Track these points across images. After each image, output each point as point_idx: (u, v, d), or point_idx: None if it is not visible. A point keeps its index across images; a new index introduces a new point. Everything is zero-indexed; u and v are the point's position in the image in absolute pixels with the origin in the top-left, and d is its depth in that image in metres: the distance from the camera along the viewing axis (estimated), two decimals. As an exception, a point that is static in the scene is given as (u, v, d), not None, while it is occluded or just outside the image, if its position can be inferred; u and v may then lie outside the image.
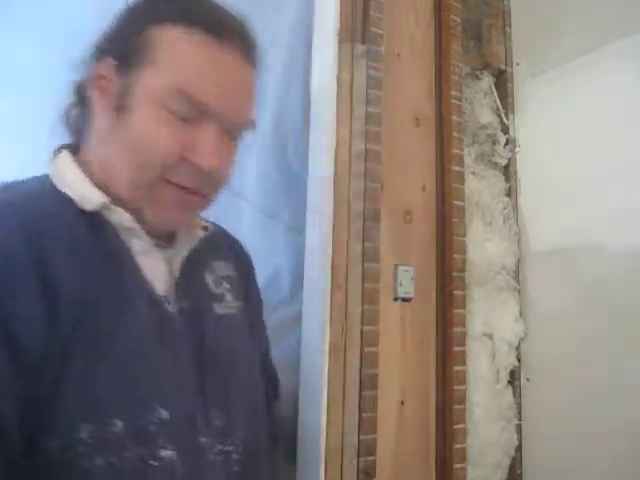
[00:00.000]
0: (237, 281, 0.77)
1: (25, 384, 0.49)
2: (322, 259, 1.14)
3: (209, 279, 0.72)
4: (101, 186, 0.62)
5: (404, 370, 1.23)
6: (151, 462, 0.54)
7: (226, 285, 0.74)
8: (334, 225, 1.15)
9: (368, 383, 1.13)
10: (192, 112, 0.60)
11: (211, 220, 0.78)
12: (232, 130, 0.65)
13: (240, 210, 1.34)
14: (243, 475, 0.65)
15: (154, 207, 0.62)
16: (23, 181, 0.62)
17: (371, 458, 1.12)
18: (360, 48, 1.25)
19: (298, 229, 1.26)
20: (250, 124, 0.67)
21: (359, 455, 1.10)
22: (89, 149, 0.65)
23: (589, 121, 1.33)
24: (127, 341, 0.56)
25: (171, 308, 0.64)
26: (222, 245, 0.80)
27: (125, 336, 0.56)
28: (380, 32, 1.28)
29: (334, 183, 1.17)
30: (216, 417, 0.64)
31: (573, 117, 1.37)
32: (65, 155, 0.65)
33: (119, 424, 0.53)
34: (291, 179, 1.31)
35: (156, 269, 0.64)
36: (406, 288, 1.25)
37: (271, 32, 1.34)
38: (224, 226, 0.88)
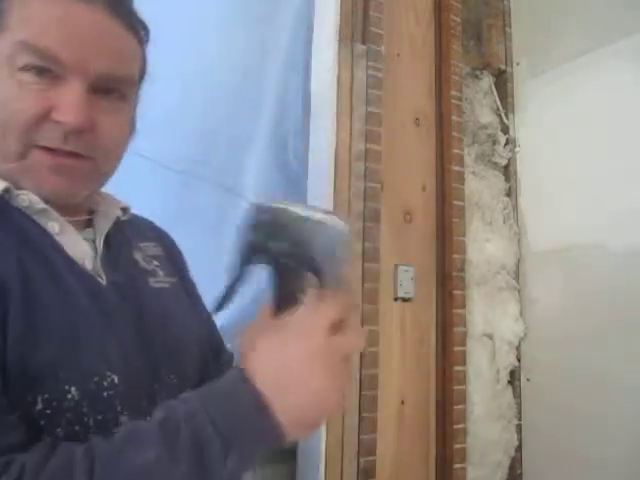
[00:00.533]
0: (166, 261, 0.76)
1: None
2: (322, 259, 1.14)
3: (138, 256, 0.71)
4: None
5: (404, 370, 1.23)
6: (114, 429, 0.53)
7: (156, 263, 0.73)
8: (334, 225, 1.15)
9: (368, 383, 1.13)
10: (44, 65, 0.57)
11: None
12: (107, 86, 0.61)
13: (240, 210, 1.34)
14: None
15: (29, 176, 0.59)
16: None
17: (371, 458, 1.12)
18: (360, 48, 1.25)
19: (298, 229, 1.26)
20: (125, 79, 0.63)
21: (359, 455, 1.10)
22: None
23: (589, 121, 1.33)
24: (64, 313, 0.56)
25: (103, 281, 0.63)
26: (146, 228, 0.79)
27: (62, 308, 0.56)
28: (380, 32, 1.28)
29: (334, 183, 1.17)
30: (173, 380, 0.64)
31: (573, 117, 1.37)
32: None
33: (73, 391, 0.53)
34: (291, 179, 1.31)
35: (79, 248, 0.62)
36: (406, 288, 1.25)
37: (271, 32, 1.34)
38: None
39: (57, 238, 0.60)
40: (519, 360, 1.43)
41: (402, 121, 1.33)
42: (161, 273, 0.73)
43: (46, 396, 0.51)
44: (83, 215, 0.66)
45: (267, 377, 0.50)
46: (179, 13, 1.34)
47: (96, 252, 0.64)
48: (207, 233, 1.33)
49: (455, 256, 1.32)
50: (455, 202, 1.35)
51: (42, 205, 0.59)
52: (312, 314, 0.54)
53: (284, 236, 0.58)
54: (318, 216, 0.58)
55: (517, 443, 1.40)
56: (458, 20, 1.44)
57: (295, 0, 1.35)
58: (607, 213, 1.25)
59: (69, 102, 0.57)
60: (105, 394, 0.55)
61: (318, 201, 1.19)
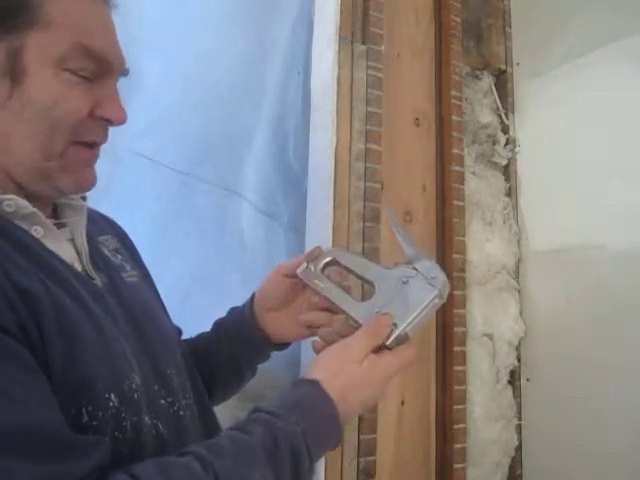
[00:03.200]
0: (125, 252, 0.76)
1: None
2: (322, 259, 1.14)
3: (105, 252, 0.70)
4: None
5: (404, 370, 1.23)
6: (144, 429, 0.56)
7: (120, 256, 0.73)
8: (334, 225, 1.15)
9: (368, 383, 1.13)
10: (94, 67, 0.58)
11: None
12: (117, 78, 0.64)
13: (240, 210, 1.34)
14: (204, 423, 0.69)
15: (67, 172, 0.59)
16: None
17: (371, 458, 1.12)
18: (360, 48, 1.25)
19: (298, 229, 1.26)
20: (126, 70, 0.65)
21: (359, 455, 1.10)
22: None
23: (589, 121, 1.33)
24: (86, 320, 0.55)
25: (98, 283, 0.63)
26: (97, 219, 0.76)
27: (82, 316, 0.55)
28: (380, 32, 1.28)
29: (334, 183, 1.17)
30: (170, 375, 0.65)
31: (573, 117, 1.37)
32: None
33: (113, 398, 0.53)
34: (291, 179, 1.31)
35: (65, 250, 0.61)
36: (406, 288, 1.25)
37: (271, 32, 1.34)
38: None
39: (43, 242, 0.58)
40: (519, 360, 1.43)
41: (402, 121, 1.33)
42: (127, 267, 0.72)
43: (90, 408, 0.51)
44: (49, 211, 0.64)
45: (334, 389, 0.59)
46: (179, 13, 1.34)
47: (80, 253, 0.63)
48: (206, 233, 1.33)
49: (455, 256, 1.32)
50: (455, 202, 1.35)
51: (30, 209, 0.57)
52: (362, 338, 0.63)
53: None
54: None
55: (517, 443, 1.40)
56: (458, 20, 1.44)
57: (295, 0, 1.35)
58: (607, 213, 1.25)
59: (114, 100, 0.60)
60: (135, 396, 0.56)
61: (318, 201, 1.19)
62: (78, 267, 0.61)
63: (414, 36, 1.39)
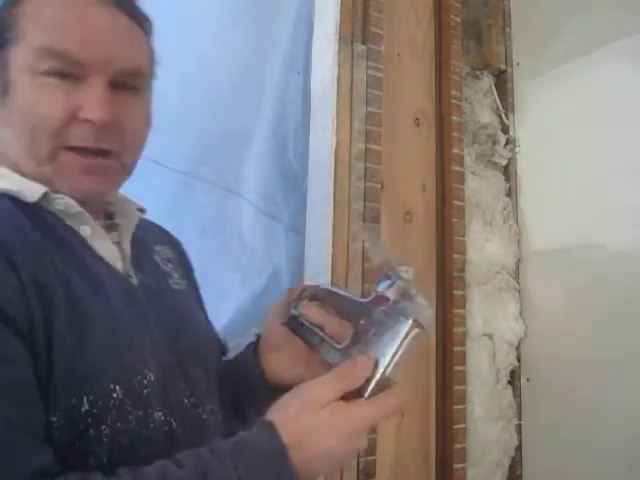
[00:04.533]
0: (177, 263, 0.79)
1: (27, 354, 0.51)
2: (322, 259, 1.14)
3: (157, 259, 0.74)
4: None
5: (404, 370, 1.23)
6: (151, 425, 0.57)
7: (171, 265, 0.76)
8: (334, 225, 1.15)
9: (368, 383, 1.13)
10: (66, 67, 0.59)
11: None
12: (125, 82, 0.63)
13: (240, 210, 1.34)
14: (230, 433, 0.67)
15: (61, 178, 0.61)
16: None
17: (371, 458, 1.12)
18: (360, 48, 1.25)
19: (298, 229, 1.26)
20: (140, 72, 0.65)
21: (359, 455, 1.10)
22: (2, 154, 0.64)
23: (589, 121, 1.33)
24: (104, 314, 0.57)
25: (134, 282, 0.65)
26: (158, 231, 0.82)
27: (101, 310, 0.57)
28: (380, 32, 1.28)
29: (334, 183, 1.17)
30: (198, 379, 0.66)
31: (573, 117, 1.37)
32: None
33: (117, 390, 0.54)
34: (291, 179, 1.31)
35: (109, 250, 0.64)
36: (406, 288, 1.25)
37: (271, 32, 1.34)
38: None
39: (89, 241, 0.62)
40: (519, 360, 1.43)
41: (402, 121, 1.33)
42: (176, 275, 0.75)
43: (91, 397, 0.53)
44: (102, 216, 0.68)
45: (289, 433, 0.52)
46: (179, 13, 1.34)
47: (124, 254, 0.66)
48: (206, 233, 1.33)
49: (455, 256, 1.32)
50: (455, 202, 1.35)
51: (77, 208, 0.61)
52: (329, 381, 0.55)
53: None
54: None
55: (517, 443, 1.40)
56: (458, 20, 1.44)
57: (295, 0, 1.35)
58: (607, 213, 1.25)
59: (94, 100, 0.59)
60: (145, 391, 0.57)
61: (318, 201, 1.19)
62: (119, 266, 0.64)
63: (414, 36, 1.39)
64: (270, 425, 0.53)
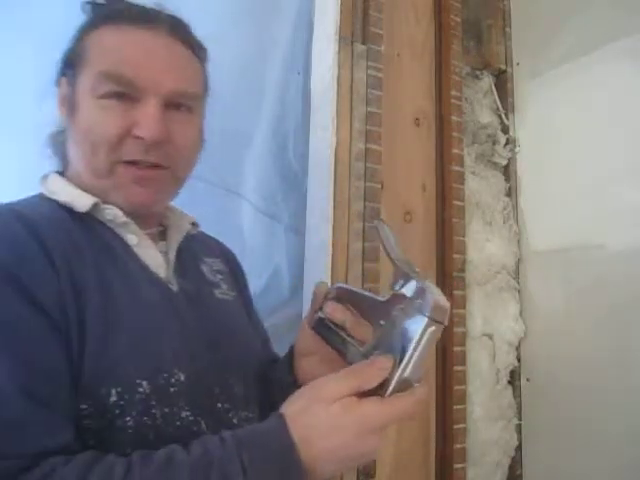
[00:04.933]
0: (228, 276, 0.83)
1: (60, 340, 0.55)
2: (322, 259, 1.14)
3: (204, 269, 0.79)
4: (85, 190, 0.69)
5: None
6: (177, 423, 0.60)
7: (220, 276, 0.81)
8: (334, 225, 1.15)
9: (368, 383, 1.13)
10: (122, 89, 0.65)
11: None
12: (177, 102, 0.69)
13: (240, 210, 1.34)
14: None
15: (117, 190, 0.67)
16: (17, 200, 0.69)
17: (371, 458, 1.12)
18: (360, 48, 1.25)
19: (298, 229, 1.26)
20: (192, 95, 0.71)
21: (359, 455, 1.10)
22: (70, 165, 0.72)
23: (589, 121, 1.33)
24: (138, 314, 0.62)
25: (174, 288, 0.69)
26: (211, 245, 0.87)
27: (136, 311, 0.62)
28: (380, 32, 1.28)
29: (334, 183, 1.17)
30: (234, 386, 0.69)
31: (573, 117, 1.37)
32: (53, 175, 0.73)
33: (144, 385, 0.58)
34: (291, 179, 1.31)
35: (154, 259, 0.69)
36: (406, 288, 1.25)
37: (271, 32, 1.34)
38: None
39: (135, 249, 0.68)
40: (519, 360, 1.43)
41: (402, 121, 1.33)
42: (224, 286, 0.79)
43: (119, 389, 0.57)
44: (155, 228, 0.75)
45: (298, 428, 0.51)
46: (178, 13, 1.34)
47: (168, 263, 0.71)
48: (206, 233, 1.33)
49: (455, 256, 1.32)
50: (455, 202, 1.35)
51: (124, 219, 0.67)
52: (341, 378, 0.54)
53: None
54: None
55: (517, 443, 1.40)
56: (458, 20, 1.44)
57: (295, 0, 1.35)
58: (607, 213, 1.25)
59: (147, 118, 0.65)
60: (172, 390, 0.60)
61: (318, 201, 1.19)
62: (162, 274, 0.69)
63: (414, 36, 1.39)
64: (280, 418, 0.52)
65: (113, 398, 0.56)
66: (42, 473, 0.48)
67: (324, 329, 0.66)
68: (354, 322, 0.64)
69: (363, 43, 1.26)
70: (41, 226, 0.60)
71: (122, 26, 0.68)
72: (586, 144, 1.32)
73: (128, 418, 0.56)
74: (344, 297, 0.67)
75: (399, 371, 0.53)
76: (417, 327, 0.53)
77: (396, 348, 0.54)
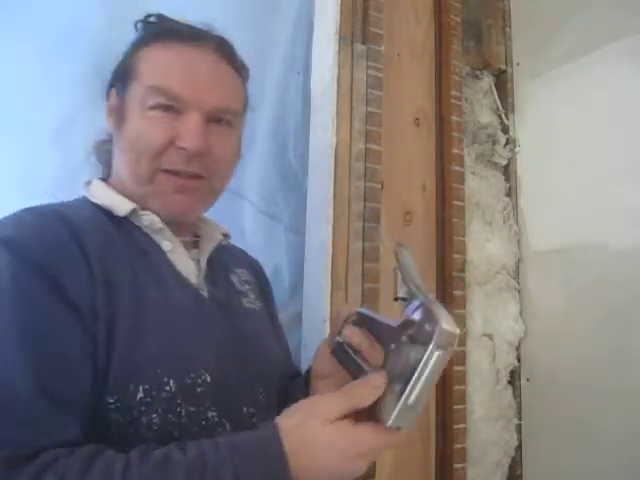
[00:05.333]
0: (255, 286, 0.86)
1: (87, 338, 0.57)
2: (322, 259, 1.14)
3: (233, 279, 0.82)
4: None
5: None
6: (202, 422, 0.62)
7: (248, 286, 0.84)
8: (334, 225, 1.15)
9: (368, 383, 1.13)
10: (168, 102, 0.69)
11: (213, 220, 0.83)
12: (218, 117, 0.72)
13: (240, 210, 1.34)
14: None
15: (157, 197, 0.70)
16: (61, 202, 0.72)
17: (371, 458, 1.12)
18: (360, 48, 1.25)
19: (298, 229, 1.26)
20: (233, 111, 0.74)
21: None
22: (114, 172, 0.76)
23: (589, 121, 1.33)
24: (169, 317, 0.65)
25: (204, 294, 0.72)
26: (240, 255, 0.91)
27: (167, 313, 0.65)
28: (380, 32, 1.28)
29: (334, 183, 1.17)
30: (258, 392, 0.71)
31: (573, 117, 1.37)
32: (96, 181, 0.77)
33: (171, 383, 0.60)
34: (291, 179, 1.31)
35: (186, 265, 0.72)
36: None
37: (271, 32, 1.34)
38: (224, 226, 0.90)
39: (169, 255, 0.71)
40: (519, 360, 1.43)
41: (402, 121, 1.33)
42: (252, 296, 0.83)
43: (146, 386, 0.59)
44: (189, 236, 0.78)
45: (291, 440, 0.53)
46: (179, 13, 1.34)
47: (199, 270, 0.74)
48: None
49: (455, 256, 1.32)
50: (455, 202, 1.35)
51: (160, 225, 0.71)
52: (336, 397, 0.55)
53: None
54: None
55: (517, 443, 1.40)
56: (458, 20, 1.44)
57: (295, 0, 1.35)
58: (607, 213, 1.25)
59: (190, 131, 0.69)
60: (198, 390, 0.63)
61: (318, 201, 1.19)
62: (193, 280, 0.72)
63: (414, 36, 1.39)
64: (275, 429, 0.54)
65: (140, 395, 0.58)
66: (45, 461, 0.50)
67: (342, 353, 0.66)
68: (369, 347, 0.64)
69: (363, 43, 1.26)
70: (82, 230, 0.63)
71: (171, 43, 0.72)
72: (586, 144, 1.32)
73: (154, 415, 0.59)
74: (362, 322, 0.67)
75: (403, 398, 0.53)
76: (423, 354, 0.53)
77: (404, 374, 0.53)
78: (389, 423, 0.53)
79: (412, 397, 0.52)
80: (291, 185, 1.31)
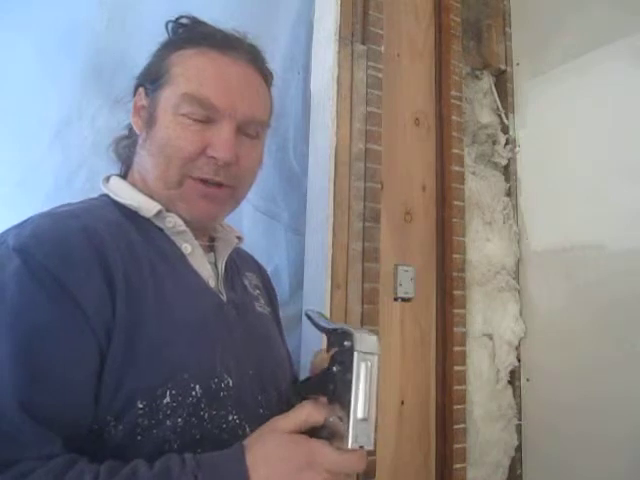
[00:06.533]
0: (264, 292, 0.88)
1: (94, 351, 0.57)
2: (322, 259, 1.14)
3: (246, 283, 0.83)
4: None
5: (404, 370, 1.24)
6: (223, 425, 0.63)
7: (257, 291, 0.85)
8: (334, 225, 1.15)
9: (368, 383, 1.13)
10: (203, 111, 0.69)
11: (227, 223, 0.85)
12: (248, 128, 0.73)
13: (240, 210, 1.34)
14: None
15: (183, 201, 0.71)
16: (82, 201, 0.72)
17: (371, 458, 1.12)
18: (360, 48, 1.25)
19: (298, 229, 1.26)
20: (261, 121, 0.75)
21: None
22: (135, 171, 0.75)
23: (589, 121, 1.33)
24: (192, 319, 0.65)
25: (224, 298, 0.73)
26: (249, 260, 0.92)
27: (190, 315, 0.65)
28: (380, 32, 1.28)
29: (334, 183, 1.17)
30: (272, 394, 0.73)
31: (573, 117, 1.37)
32: (116, 178, 0.76)
33: (197, 388, 0.62)
34: (291, 179, 1.31)
35: (205, 268, 0.73)
36: (406, 288, 1.25)
37: (271, 32, 1.34)
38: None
39: (188, 257, 0.71)
40: (519, 360, 1.43)
41: (402, 121, 1.33)
42: (262, 301, 0.84)
43: (174, 391, 0.60)
44: (206, 240, 0.79)
45: (253, 456, 0.56)
46: (179, 13, 1.34)
47: (217, 273, 0.75)
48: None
49: (455, 256, 1.32)
50: (455, 202, 1.35)
51: (183, 227, 0.71)
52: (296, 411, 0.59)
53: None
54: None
55: (517, 443, 1.40)
56: (458, 20, 1.44)
57: (295, 0, 1.35)
58: (607, 213, 1.25)
59: (222, 141, 0.69)
60: (221, 394, 0.64)
61: (318, 201, 1.19)
62: (212, 283, 0.72)
63: (414, 36, 1.39)
64: (240, 446, 0.58)
65: (167, 399, 0.59)
66: (19, 472, 0.51)
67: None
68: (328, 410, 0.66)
69: (363, 43, 1.26)
70: (105, 241, 0.62)
71: (206, 50, 0.72)
72: (586, 144, 1.32)
73: (179, 419, 0.60)
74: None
75: (351, 415, 0.56)
76: (353, 368, 0.57)
77: (345, 395, 0.57)
78: (350, 441, 0.55)
79: (359, 410, 0.56)
80: (291, 185, 1.31)
